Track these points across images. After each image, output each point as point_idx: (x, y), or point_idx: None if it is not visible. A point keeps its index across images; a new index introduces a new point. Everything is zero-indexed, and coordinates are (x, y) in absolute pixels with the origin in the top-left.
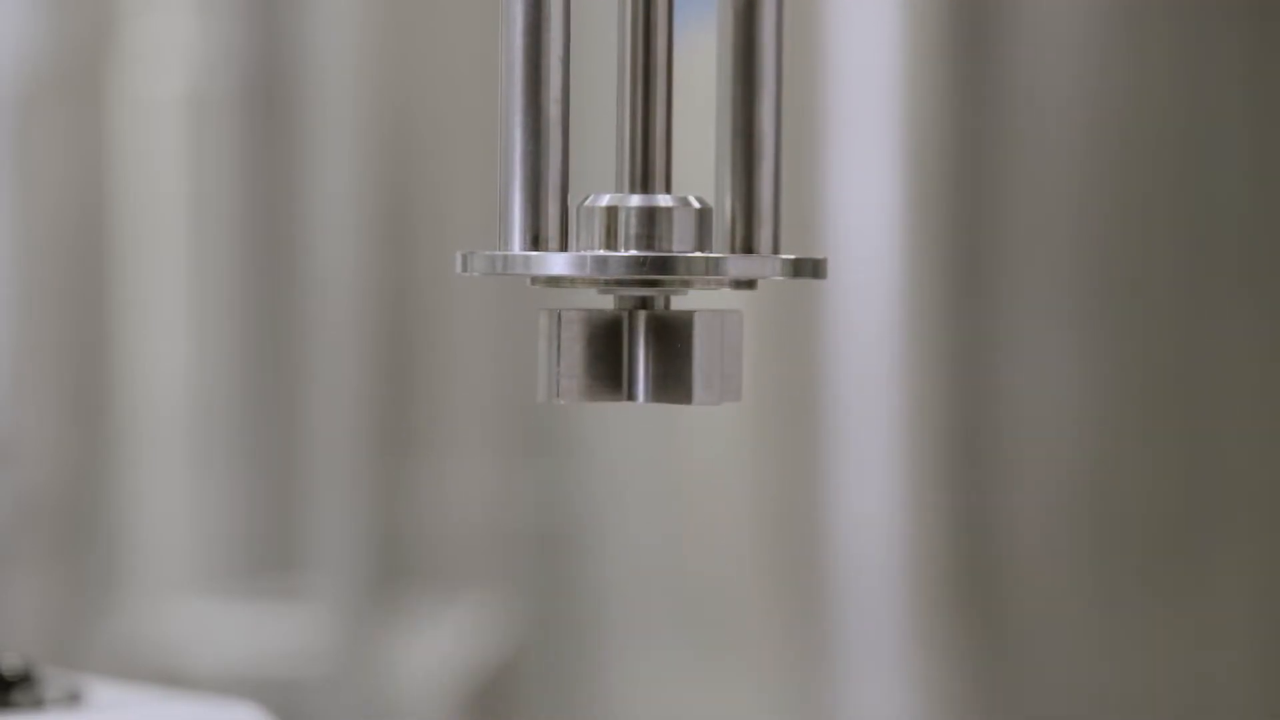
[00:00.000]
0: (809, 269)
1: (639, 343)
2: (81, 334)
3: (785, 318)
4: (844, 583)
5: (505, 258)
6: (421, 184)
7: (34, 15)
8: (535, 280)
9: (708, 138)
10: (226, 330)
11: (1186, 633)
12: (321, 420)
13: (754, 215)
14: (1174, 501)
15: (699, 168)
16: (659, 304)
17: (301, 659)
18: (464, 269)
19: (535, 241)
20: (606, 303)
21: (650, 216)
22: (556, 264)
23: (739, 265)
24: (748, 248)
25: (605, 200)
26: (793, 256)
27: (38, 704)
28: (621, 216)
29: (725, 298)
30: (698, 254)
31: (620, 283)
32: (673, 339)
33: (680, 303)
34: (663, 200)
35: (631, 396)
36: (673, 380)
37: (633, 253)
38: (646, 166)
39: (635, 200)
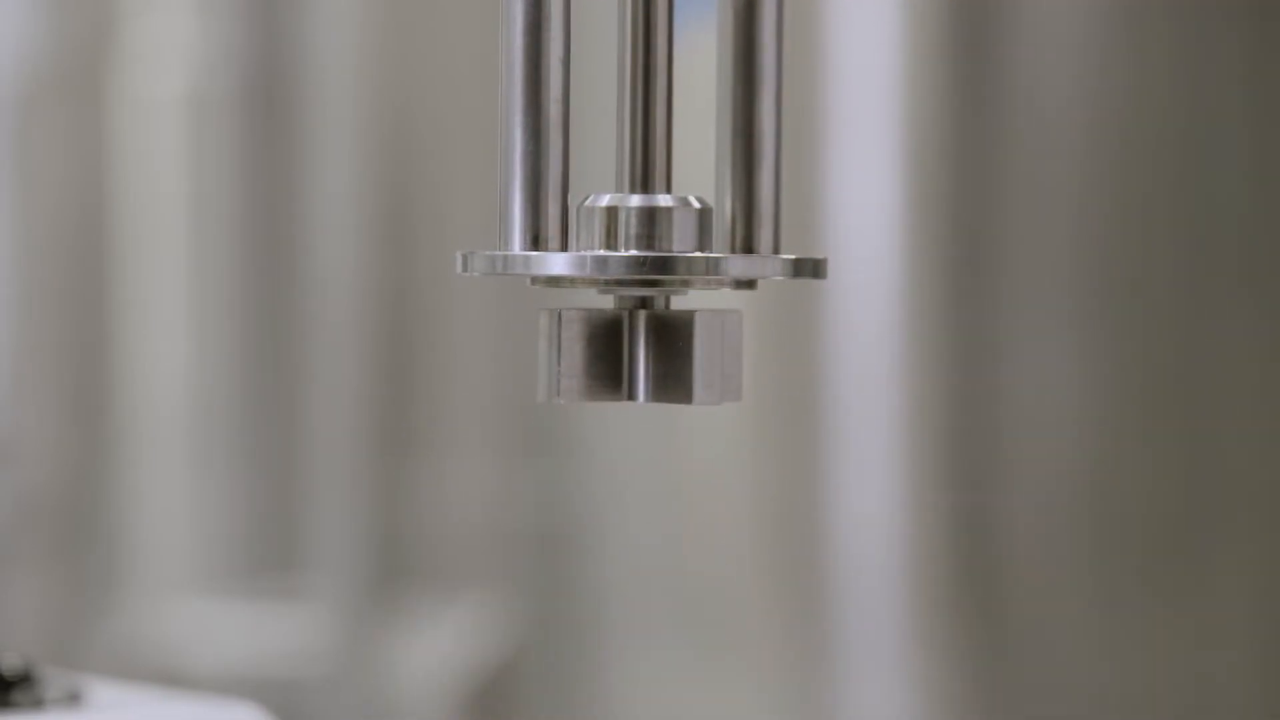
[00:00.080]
0: (809, 269)
1: (639, 343)
2: (81, 334)
3: (785, 318)
4: (844, 583)
5: (505, 258)
6: (421, 184)
7: (34, 15)
8: (535, 280)
9: (708, 138)
10: (226, 330)
11: (1186, 633)
12: (321, 420)
13: (754, 215)
14: (1174, 501)
15: (699, 168)
16: (659, 304)
17: (301, 659)
18: (464, 269)
19: (535, 241)
20: (606, 303)
21: (650, 216)
22: (556, 264)
23: (739, 265)
24: (748, 248)
25: (605, 200)
26: (793, 256)
27: (38, 704)
28: (621, 216)
29: (725, 298)
30: (698, 254)
31: (620, 283)
32: (673, 339)
33: (680, 303)
34: (663, 200)
35: (632, 396)
36: (673, 380)
37: (633, 253)
38: (646, 166)
39: (635, 200)
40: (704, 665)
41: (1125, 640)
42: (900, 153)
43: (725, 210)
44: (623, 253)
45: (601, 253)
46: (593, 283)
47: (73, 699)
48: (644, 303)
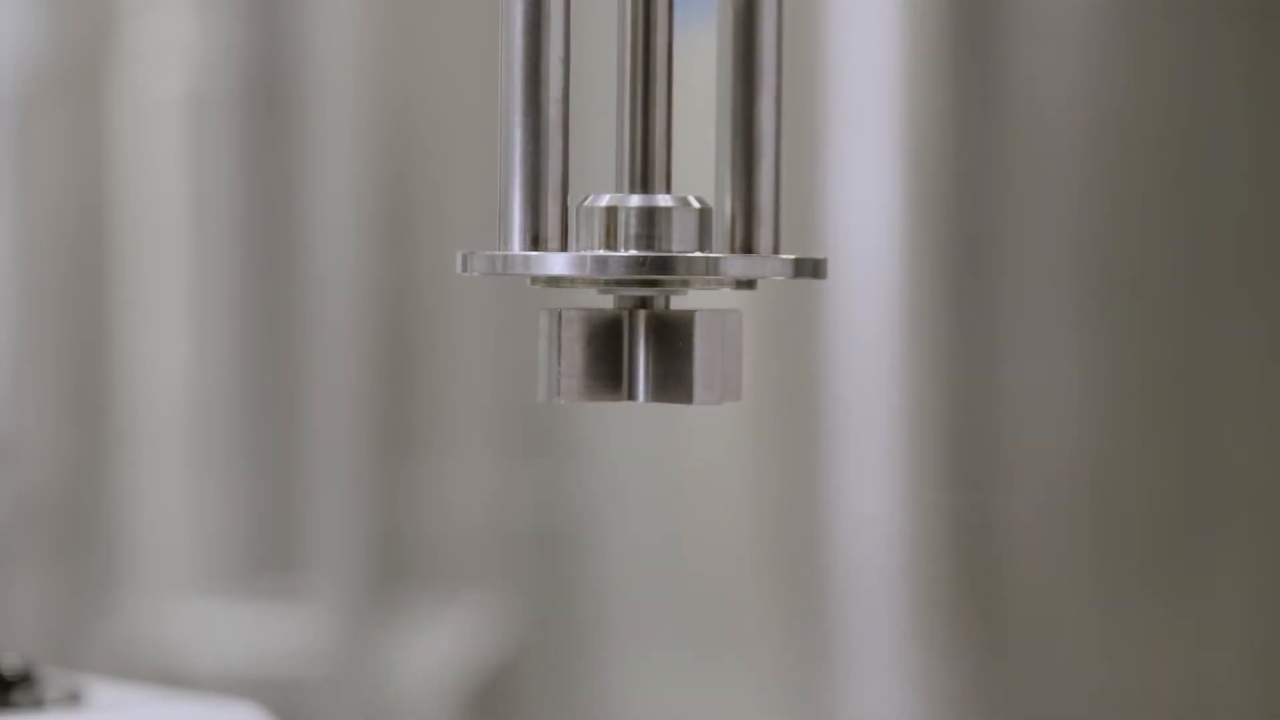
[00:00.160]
0: (809, 269)
1: (639, 342)
2: (81, 334)
3: (785, 318)
4: (844, 583)
5: (505, 258)
6: (421, 184)
7: (34, 15)
8: (535, 280)
9: (708, 138)
10: (226, 330)
11: (1186, 633)
12: (321, 420)
13: (754, 215)
14: (1174, 501)
15: (699, 168)
16: (659, 304)
17: (301, 659)
18: (464, 269)
19: (535, 241)
20: (606, 303)
21: (650, 216)
22: (556, 264)
23: (739, 265)
24: (748, 248)
25: (605, 200)
26: (793, 256)
27: (38, 704)
28: (621, 216)
29: (725, 298)
30: (698, 254)
31: (620, 283)
32: (673, 339)
33: (680, 303)
34: (663, 200)
35: (632, 396)
36: (673, 380)
37: (633, 253)
38: (646, 166)
39: (635, 200)
40: (704, 665)
41: (1125, 640)
42: (900, 153)
43: (725, 210)
44: (623, 253)
45: (601, 253)
46: (593, 283)
47: (73, 699)
48: (644, 303)
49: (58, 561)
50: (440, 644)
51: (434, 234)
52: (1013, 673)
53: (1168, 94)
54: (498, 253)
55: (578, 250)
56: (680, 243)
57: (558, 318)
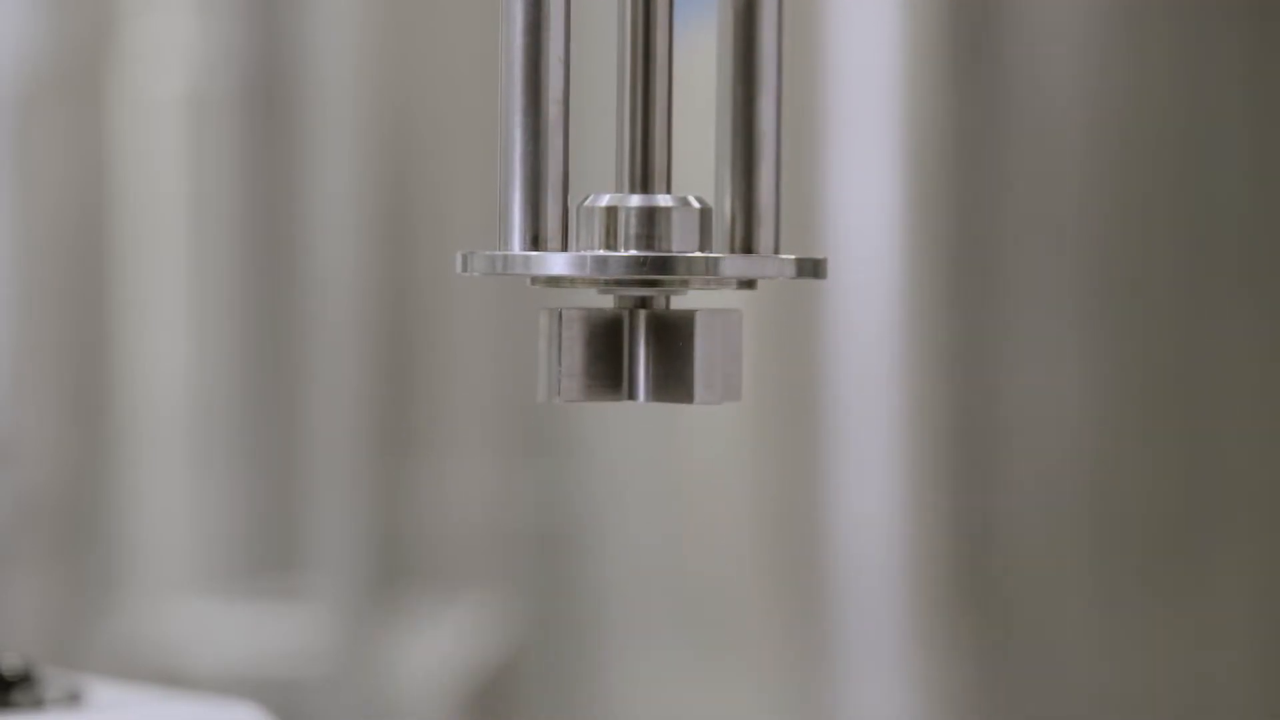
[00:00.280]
0: (809, 269)
1: (639, 342)
2: (81, 334)
3: (785, 318)
4: (844, 583)
5: (505, 258)
6: (421, 184)
7: (34, 15)
8: (535, 280)
9: (708, 138)
10: (226, 330)
11: (1186, 633)
12: (321, 420)
13: (754, 215)
14: (1174, 501)
15: (699, 168)
16: (659, 304)
17: (301, 659)
18: (464, 269)
19: (535, 241)
20: (606, 302)
21: (650, 216)
22: (556, 264)
23: (739, 265)
24: (748, 248)
25: (605, 200)
26: (793, 256)
27: (38, 704)
28: (621, 216)
29: (725, 298)
30: (698, 254)
31: (620, 283)
32: (673, 339)
33: (680, 302)
34: (663, 200)
35: (632, 396)
36: (673, 380)
37: (633, 253)
38: (646, 166)
39: (635, 200)
40: (704, 665)
41: (1125, 640)
42: (900, 153)
43: (725, 210)
44: (623, 253)
45: (601, 253)
46: (593, 283)
47: (73, 699)
48: (644, 303)
49: (58, 561)
50: (440, 644)
51: (434, 234)
52: (1013, 673)
53: (1168, 94)
54: (498, 253)
55: (578, 250)
56: (680, 243)
57: (558, 318)
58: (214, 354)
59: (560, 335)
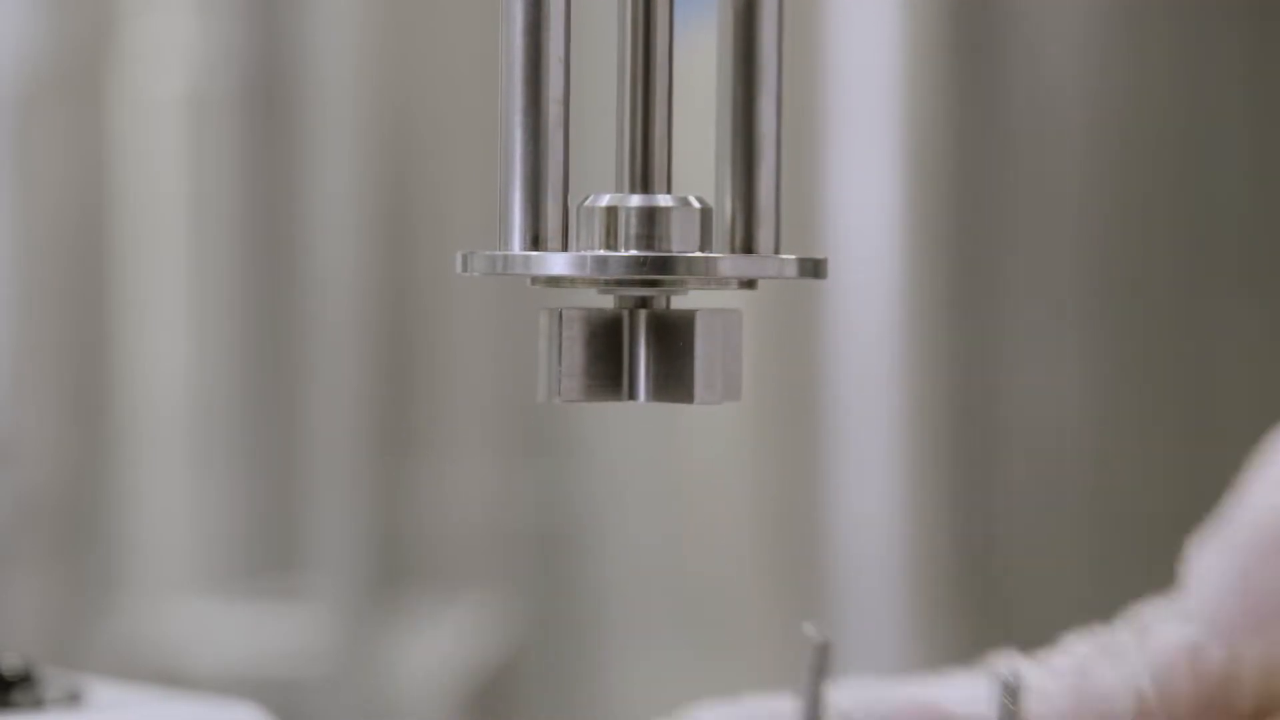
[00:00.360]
0: (809, 269)
1: (640, 342)
2: (81, 334)
3: (785, 318)
4: (844, 583)
5: (505, 258)
6: (421, 184)
7: (34, 15)
8: (535, 280)
9: (708, 138)
10: (226, 330)
11: None
12: (321, 420)
13: (754, 215)
14: (1174, 501)
15: (699, 168)
16: (659, 304)
17: (301, 659)
18: (464, 269)
19: (535, 241)
20: (607, 302)
21: (650, 216)
22: (556, 264)
23: (739, 265)
24: (748, 248)
25: (605, 200)
26: (793, 256)
27: (38, 704)
28: (621, 216)
29: (725, 298)
30: (698, 254)
31: (620, 283)
32: (673, 338)
33: (680, 302)
34: (663, 200)
35: (632, 396)
36: (674, 380)
37: (633, 253)
38: (646, 166)
39: (635, 200)
40: (704, 665)
41: None
42: (900, 153)
43: (725, 210)
44: (623, 253)
45: (601, 253)
46: (593, 283)
47: (73, 699)
48: (644, 302)
49: (58, 561)
50: (440, 644)
51: (434, 234)
52: None
53: (1168, 94)
54: (498, 253)
55: (578, 250)
56: (680, 243)
57: (558, 317)
58: (214, 354)
59: (560, 335)
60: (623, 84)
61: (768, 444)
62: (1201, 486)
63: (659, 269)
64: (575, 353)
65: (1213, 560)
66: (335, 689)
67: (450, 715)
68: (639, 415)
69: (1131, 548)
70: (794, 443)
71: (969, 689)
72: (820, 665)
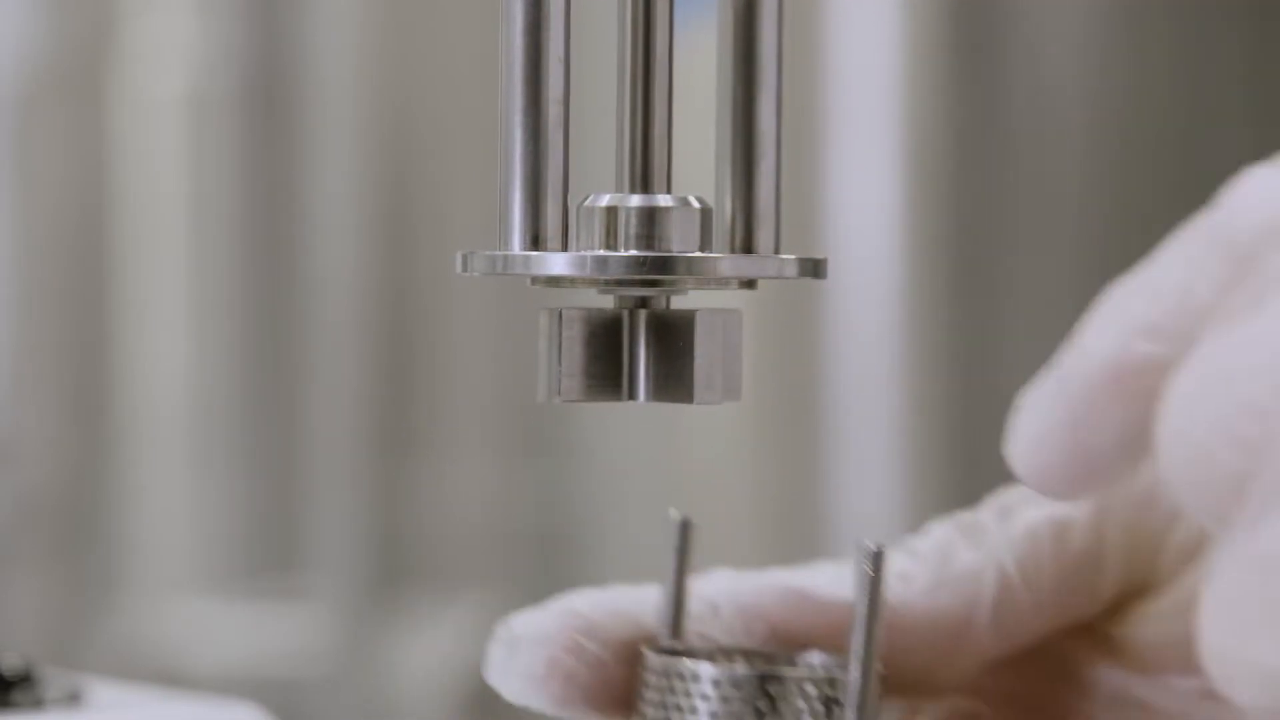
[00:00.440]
0: (809, 269)
1: (640, 342)
2: (81, 334)
3: (785, 318)
4: None
5: (505, 258)
6: (421, 184)
7: (34, 15)
8: (535, 280)
9: (708, 138)
10: (226, 330)
11: None
12: (321, 420)
13: (754, 215)
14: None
15: (699, 168)
16: (659, 304)
17: (301, 659)
18: (464, 269)
19: (535, 241)
20: (607, 302)
21: (650, 216)
22: (556, 264)
23: (739, 265)
24: (748, 248)
25: (605, 200)
26: (793, 256)
27: (38, 704)
28: (621, 216)
29: (725, 298)
30: (698, 254)
31: (620, 283)
32: (673, 338)
33: (680, 302)
34: (663, 200)
35: (632, 396)
36: (674, 380)
37: (633, 253)
38: (646, 166)
39: (635, 200)
40: None
41: None
42: (900, 153)
43: (725, 210)
44: (623, 253)
45: (601, 253)
46: (593, 283)
47: (73, 699)
48: (644, 302)
49: (58, 561)
50: (440, 644)
51: (434, 234)
52: None
53: (1168, 94)
54: (498, 253)
55: (578, 250)
56: (680, 243)
57: (558, 317)
58: (214, 354)
59: (560, 335)
60: (623, 84)
61: (768, 444)
62: None
63: (659, 269)
64: (575, 353)
65: (1034, 416)
66: (335, 689)
67: (450, 715)
68: (639, 415)
69: None
70: (794, 443)
71: (835, 576)
72: (682, 547)
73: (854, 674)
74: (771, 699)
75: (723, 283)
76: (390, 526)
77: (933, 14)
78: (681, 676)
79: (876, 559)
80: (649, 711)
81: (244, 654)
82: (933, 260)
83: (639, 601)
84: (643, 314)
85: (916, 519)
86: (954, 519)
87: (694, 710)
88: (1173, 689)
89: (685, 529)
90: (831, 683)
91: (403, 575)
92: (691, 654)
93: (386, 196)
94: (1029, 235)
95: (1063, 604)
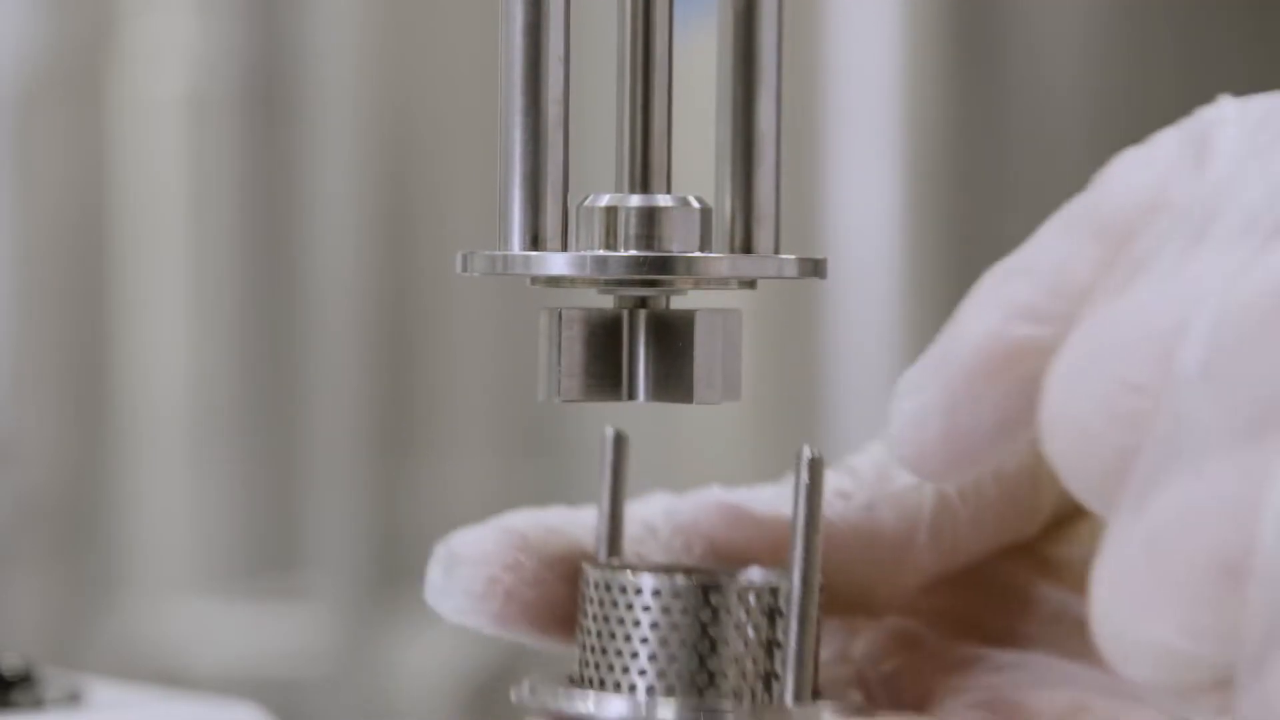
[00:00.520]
0: (809, 269)
1: (639, 342)
2: (81, 334)
3: (785, 318)
4: None
5: (505, 258)
6: (421, 184)
7: (34, 15)
8: (535, 280)
9: (708, 138)
10: (226, 330)
11: None
12: (321, 420)
13: (754, 215)
14: None
15: (699, 168)
16: (659, 303)
17: (301, 659)
18: (464, 269)
19: (535, 241)
20: (606, 302)
21: (650, 216)
22: (556, 264)
23: (739, 265)
24: (748, 248)
25: (605, 200)
26: (793, 256)
27: (38, 704)
28: (621, 216)
29: (725, 297)
30: (698, 254)
31: (620, 283)
32: (673, 338)
33: (680, 302)
34: (662, 200)
35: (632, 396)
36: (674, 379)
37: (633, 253)
38: (646, 166)
39: (635, 200)
40: None
41: None
42: (900, 153)
43: (725, 210)
44: (622, 253)
45: (601, 253)
46: (593, 283)
47: (73, 699)
48: (644, 302)
49: (58, 561)
50: (440, 644)
51: (434, 234)
52: None
53: (1168, 94)
54: (498, 253)
55: (577, 250)
56: (680, 243)
57: (558, 317)
58: (214, 354)
59: (560, 335)
60: (623, 84)
61: (768, 444)
62: None
63: (658, 269)
64: (575, 352)
65: (913, 399)
66: (335, 689)
67: (450, 715)
68: (639, 415)
69: None
70: (794, 443)
71: (774, 494)
72: (616, 462)
73: (794, 580)
74: (713, 609)
75: (722, 283)
76: (390, 526)
77: (933, 14)
78: (623, 589)
79: (814, 466)
80: (589, 626)
81: (244, 654)
82: (933, 260)
83: (577, 521)
84: (642, 314)
85: None
86: None
87: (635, 623)
88: None
89: (619, 443)
90: (774, 591)
91: (403, 575)
92: (632, 569)
93: (386, 196)
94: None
95: (1001, 521)
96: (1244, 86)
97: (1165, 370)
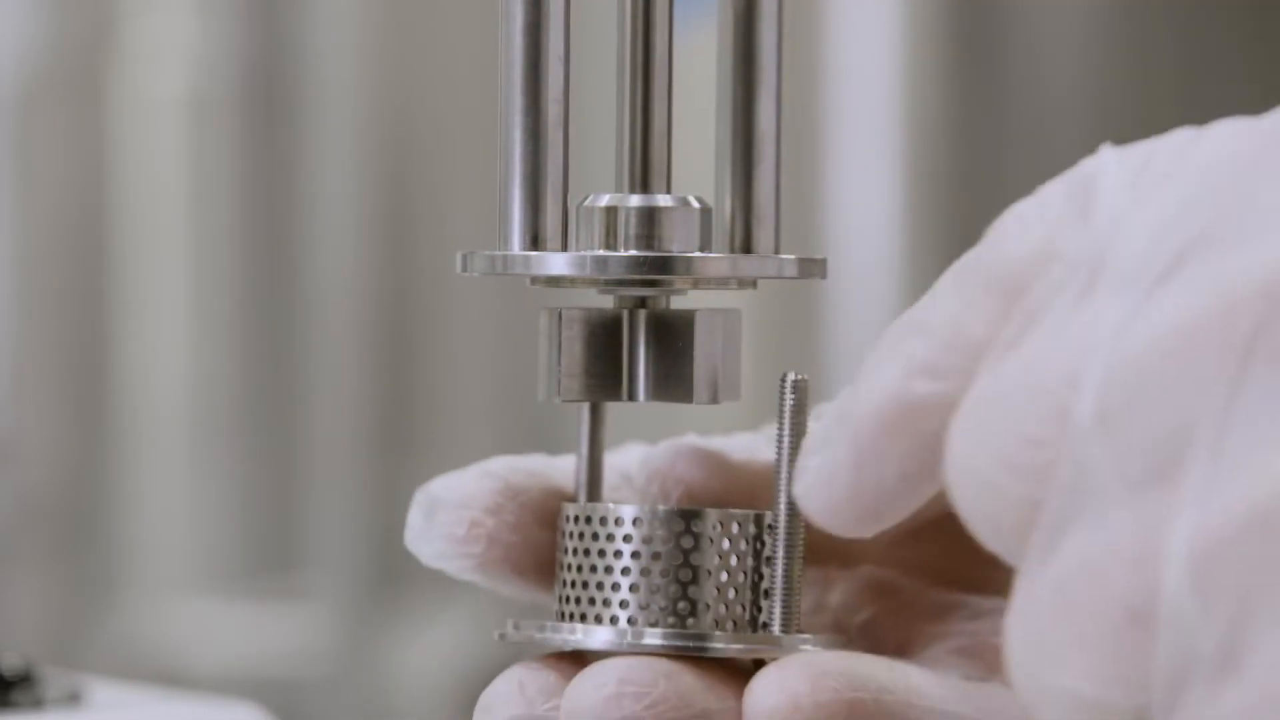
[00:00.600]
0: (809, 269)
1: (639, 342)
2: (81, 334)
3: (785, 318)
4: None
5: (505, 258)
6: (421, 184)
7: (34, 15)
8: (535, 280)
9: (708, 138)
10: (226, 330)
11: None
12: (321, 420)
13: (754, 215)
14: None
15: (699, 168)
16: (659, 303)
17: (301, 659)
18: (464, 269)
19: (535, 241)
20: (606, 302)
21: (650, 216)
22: (556, 264)
23: (739, 265)
24: (748, 248)
25: (605, 200)
26: (793, 256)
27: (38, 704)
28: (621, 216)
29: (725, 297)
30: (698, 254)
31: (620, 282)
32: (673, 338)
33: (680, 302)
34: (662, 200)
35: (632, 396)
36: (673, 379)
37: (632, 253)
38: (646, 166)
39: (635, 200)
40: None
41: None
42: (900, 153)
43: (725, 210)
44: (622, 253)
45: (601, 253)
46: (593, 283)
47: (73, 699)
48: (644, 302)
49: (58, 561)
50: (440, 644)
51: (434, 234)
52: None
53: (1168, 94)
54: (498, 253)
55: (577, 250)
56: (680, 243)
57: (558, 317)
58: (214, 354)
59: (560, 335)
60: (623, 84)
61: None
62: None
63: (658, 269)
64: (575, 352)
65: (819, 456)
66: (335, 689)
67: (450, 715)
68: (639, 415)
69: None
70: None
71: (750, 441)
72: (595, 407)
73: (780, 505)
74: (695, 536)
75: (722, 283)
76: (390, 526)
77: (933, 14)
78: (603, 520)
79: (799, 388)
80: (569, 561)
81: (244, 654)
82: (933, 260)
83: (556, 466)
84: (642, 314)
85: None
86: None
87: (617, 554)
88: None
89: (597, 410)
90: (757, 519)
91: (403, 575)
92: (613, 503)
93: (386, 196)
94: None
95: None
96: (1244, 86)
97: (1063, 422)
